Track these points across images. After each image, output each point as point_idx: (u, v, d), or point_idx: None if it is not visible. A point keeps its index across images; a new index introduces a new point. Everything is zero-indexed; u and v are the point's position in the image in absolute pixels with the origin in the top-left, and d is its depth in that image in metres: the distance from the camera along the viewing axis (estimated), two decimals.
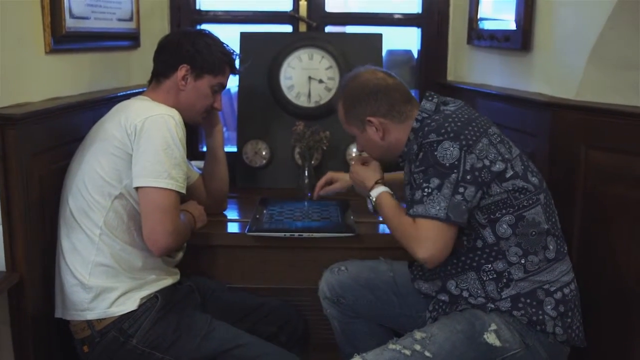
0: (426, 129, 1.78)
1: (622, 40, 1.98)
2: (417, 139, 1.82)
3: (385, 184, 1.97)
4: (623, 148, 1.94)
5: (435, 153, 1.72)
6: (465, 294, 1.82)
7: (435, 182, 1.71)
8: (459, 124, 1.75)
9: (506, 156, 1.77)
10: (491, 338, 1.71)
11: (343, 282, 2.09)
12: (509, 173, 1.75)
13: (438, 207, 1.69)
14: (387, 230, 1.96)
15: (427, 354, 1.68)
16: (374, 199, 1.94)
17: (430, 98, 1.90)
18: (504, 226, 1.76)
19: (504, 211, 1.76)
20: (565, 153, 2.12)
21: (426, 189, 1.72)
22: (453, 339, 1.72)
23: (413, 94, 1.97)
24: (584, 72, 2.07)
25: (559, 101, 2.15)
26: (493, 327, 1.73)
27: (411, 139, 1.88)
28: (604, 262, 2.02)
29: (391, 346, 1.71)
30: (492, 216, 1.76)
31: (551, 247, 1.79)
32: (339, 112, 2.00)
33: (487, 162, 1.73)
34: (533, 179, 1.80)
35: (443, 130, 1.74)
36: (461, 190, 1.70)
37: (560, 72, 2.20)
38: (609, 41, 2.00)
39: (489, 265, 1.78)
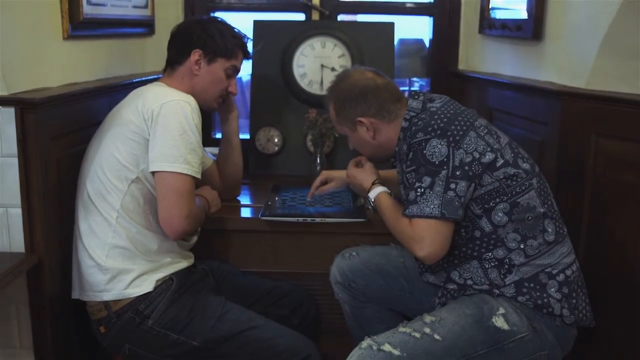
0: (414, 128, 1.81)
1: (633, 30, 1.98)
2: (406, 138, 1.85)
3: (382, 183, 2.00)
4: (633, 136, 1.95)
5: (424, 152, 1.75)
6: (469, 282, 1.84)
7: (427, 180, 1.73)
8: (445, 120, 1.77)
9: (495, 146, 1.78)
10: (499, 322, 1.73)
11: (354, 267, 2.12)
12: (499, 162, 1.77)
13: (432, 206, 1.72)
14: None
15: (436, 336, 1.70)
16: (372, 200, 1.97)
17: (416, 97, 1.92)
18: (500, 214, 1.78)
19: (497, 200, 1.77)
20: (575, 141, 2.13)
21: (419, 189, 1.74)
22: (462, 322, 1.74)
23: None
24: (595, 61, 2.08)
25: (569, 90, 2.15)
26: (501, 311, 1.75)
27: (401, 138, 1.90)
28: (612, 248, 2.03)
29: (401, 329, 1.74)
30: (486, 206, 1.78)
31: (550, 230, 1.80)
32: (330, 113, 2.03)
33: (476, 155, 1.74)
34: (524, 164, 1.82)
35: (430, 129, 1.76)
36: (452, 186, 1.72)
37: (571, 61, 2.21)
38: (620, 30, 2.00)
39: (490, 254, 1.80)
